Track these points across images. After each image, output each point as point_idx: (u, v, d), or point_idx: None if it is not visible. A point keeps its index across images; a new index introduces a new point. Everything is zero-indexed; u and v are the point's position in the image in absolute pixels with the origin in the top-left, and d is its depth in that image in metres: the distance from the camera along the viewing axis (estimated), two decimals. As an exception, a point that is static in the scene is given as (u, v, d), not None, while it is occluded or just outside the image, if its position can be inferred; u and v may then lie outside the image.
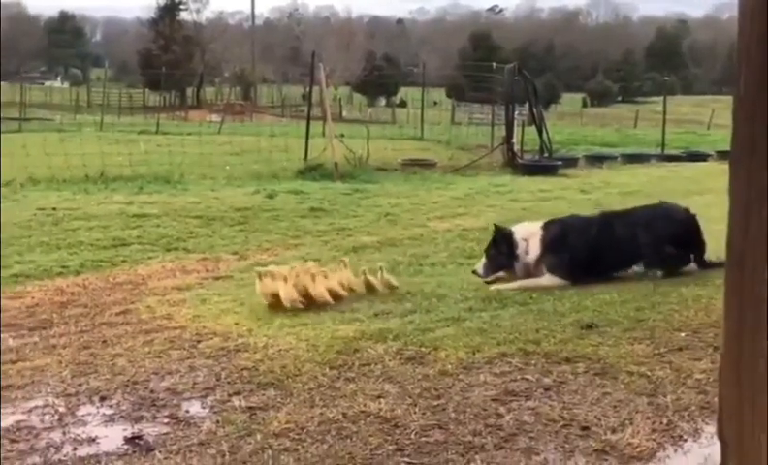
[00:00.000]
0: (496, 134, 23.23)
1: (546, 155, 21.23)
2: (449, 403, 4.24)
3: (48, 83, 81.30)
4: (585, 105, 77.86)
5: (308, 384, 4.62)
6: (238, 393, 4.55)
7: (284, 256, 9.12)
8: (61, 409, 4.48)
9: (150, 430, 4.13)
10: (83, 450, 3.94)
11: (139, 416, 4.32)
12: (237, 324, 6.07)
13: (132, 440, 4.02)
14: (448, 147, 24.61)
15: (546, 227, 6.84)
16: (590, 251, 6.63)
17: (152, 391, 4.66)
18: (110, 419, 4.31)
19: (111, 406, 4.49)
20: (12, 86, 59.73)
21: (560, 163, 20.04)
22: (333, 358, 5.00)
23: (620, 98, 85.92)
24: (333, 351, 5.13)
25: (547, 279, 6.64)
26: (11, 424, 4.29)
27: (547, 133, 21.56)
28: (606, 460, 3.58)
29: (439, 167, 20.21)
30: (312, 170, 17.80)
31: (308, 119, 21.24)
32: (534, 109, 22.23)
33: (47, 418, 4.37)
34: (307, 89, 30.25)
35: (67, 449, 3.97)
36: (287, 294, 6.38)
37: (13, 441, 4.09)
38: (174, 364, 5.16)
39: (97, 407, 4.49)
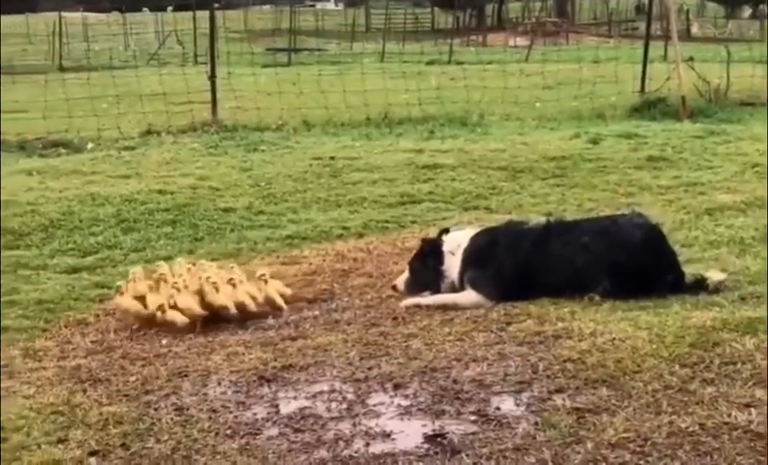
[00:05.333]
0: None
1: None
2: None
3: (319, 5, 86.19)
4: None
5: (652, 384, 4.65)
6: (560, 390, 4.69)
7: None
8: (350, 396, 4.87)
9: (455, 428, 4.38)
10: (377, 446, 4.28)
11: (440, 410, 4.60)
12: (555, 304, 6.19)
13: (434, 438, 4.29)
14: None
15: (474, 238, 6.92)
16: (519, 267, 6.65)
17: (455, 381, 4.93)
18: (406, 412, 4.62)
19: (406, 396, 4.81)
20: (277, 12, 64.22)
21: None
22: (684, 353, 4.98)
23: None
24: (684, 344, 5.11)
25: (465, 296, 6.63)
26: (293, 411, 4.75)
27: None
28: None
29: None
30: (651, 107, 17.48)
31: (647, 39, 20.82)
32: None
33: (333, 405, 4.77)
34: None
35: (358, 443, 4.33)
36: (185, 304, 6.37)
37: (297, 430, 4.52)
38: (479, 350, 5.40)
39: (391, 396, 4.83)
